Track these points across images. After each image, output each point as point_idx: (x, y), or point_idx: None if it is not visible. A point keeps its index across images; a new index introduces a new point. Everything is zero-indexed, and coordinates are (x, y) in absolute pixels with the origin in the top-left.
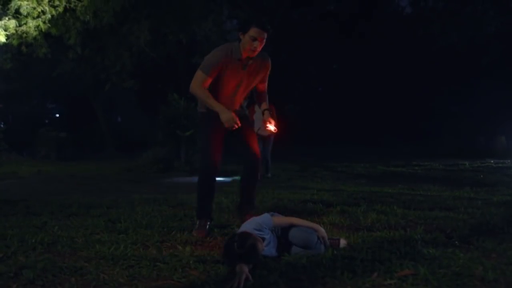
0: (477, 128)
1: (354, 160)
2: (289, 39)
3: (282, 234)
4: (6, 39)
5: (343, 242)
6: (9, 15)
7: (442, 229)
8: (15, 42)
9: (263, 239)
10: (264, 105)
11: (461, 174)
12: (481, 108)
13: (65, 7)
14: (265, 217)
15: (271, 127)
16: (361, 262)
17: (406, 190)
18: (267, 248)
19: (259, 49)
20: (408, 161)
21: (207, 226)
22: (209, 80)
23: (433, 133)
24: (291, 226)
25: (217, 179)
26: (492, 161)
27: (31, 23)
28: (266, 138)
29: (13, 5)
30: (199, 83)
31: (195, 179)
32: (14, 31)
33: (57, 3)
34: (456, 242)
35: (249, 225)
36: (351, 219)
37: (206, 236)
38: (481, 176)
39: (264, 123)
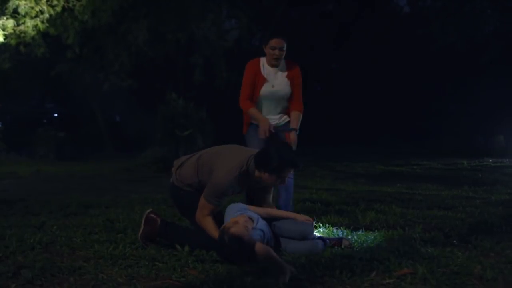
0: (475, 127)
1: (353, 160)
2: (288, 38)
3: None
4: (4, 39)
5: (345, 243)
6: (7, 14)
7: (441, 228)
8: (13, 42)
9: (251, 218)
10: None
11: (459, 173)
12: (480, 107)
13: (63, 7)
14: (238, 204)
15: None
16: (360, 261)
17: (404, 189)
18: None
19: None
20: (407, 160)
21: None
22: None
23: (431, 132)
24: (271, 217)
25: None
26: (490, 160)
27: (29, 23)
28: None
29: (11, 5)
30: (205, 215)
31: None
32: (12, 31)
33: (55, 2)
34: (455, 241)
35: (231, 212)
36: (349, 218)
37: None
38: (480, 175)
39: None
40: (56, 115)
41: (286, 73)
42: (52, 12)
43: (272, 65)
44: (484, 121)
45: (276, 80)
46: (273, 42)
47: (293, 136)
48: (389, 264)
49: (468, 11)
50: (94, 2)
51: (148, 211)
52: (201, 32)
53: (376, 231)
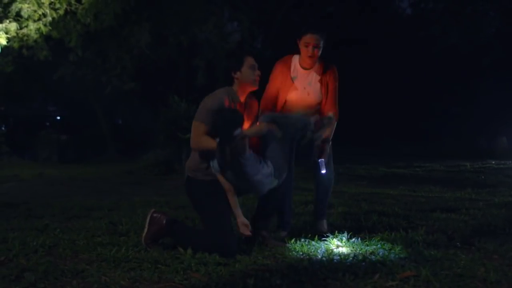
0: (478, 129)
1: (355, 162)
2: (289, 41)
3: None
4: (7, 42)
5: (324, 121)
6: (10, 18)
7: (444, 230)
8: (16, 45)
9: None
10: None
11: (462, 175)
12: (482, 109)
13: (65, 10)
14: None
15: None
16: (363, 263)
17: (407, 191)
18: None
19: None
20: (409, 162)
21: None
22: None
23: (434, 134)
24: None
25: None
26: (493, 162)
27: (32, 26)
28: None
29: (14, 8)
30: (200, 135)
31: None
32: (15, 34)
33: (58, 5)
34: (458, 243)
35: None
36: (352, 220)
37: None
38: (483, 177)
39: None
40: (58, 118)
41: (319, 78)
42: (54, 15)
43: (306, 65)
44: (487, 123)
45: (306, 86)
46: (307, 37)
47: (325, 147)
48: (392, 267)
49: (470, 13)
50: (97, 5)
51: (151, 210)
52: (203, 35)
53: (378, 233)
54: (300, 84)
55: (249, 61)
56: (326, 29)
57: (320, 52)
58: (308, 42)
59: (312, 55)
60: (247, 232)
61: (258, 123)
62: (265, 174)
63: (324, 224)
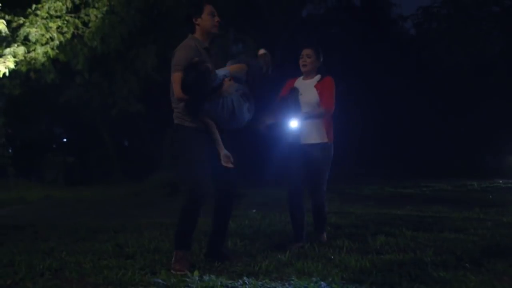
0: (484, 148)
1: (361, 182)
2: (294, 62)
3: None
4: (15, 66)
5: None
6: (18, 42)
7: (452, 251)
8: (23, 69)
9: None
10: None
11: (469, 195)
12: (488, 128)
13: (73, 34)
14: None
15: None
16: (371, 285)
17: (414, 212)
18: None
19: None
20: (416, 182)
21: (188, 258)
22: None
23: (440, 153)
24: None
25: None
26: (500, 181)
27: (40, 50)
28: None
29: (22, 32)
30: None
31: None
32: (23, 58)
33: (65, 29)
34: (467, 264)
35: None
36: (359, 242)
37: (187, 270)
38: (490, 196)
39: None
40: (65, 140)
41: (315, 83)
42: (62, 39)
43: (303, 73)
44: (494, 142)
45: (303, 89)
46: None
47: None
48: None
49: (474, 33)
50: (103, 29)
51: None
52: None
53: (386, 254)
54: (299, 87)
55: (209, 8)
56: (315, 45)
57: (313, 63)
58: (301, 54)
59: (302, 65)
60: (229, 163)
61: (232, 66)
62: (248, 110)
63: (323, 236)
